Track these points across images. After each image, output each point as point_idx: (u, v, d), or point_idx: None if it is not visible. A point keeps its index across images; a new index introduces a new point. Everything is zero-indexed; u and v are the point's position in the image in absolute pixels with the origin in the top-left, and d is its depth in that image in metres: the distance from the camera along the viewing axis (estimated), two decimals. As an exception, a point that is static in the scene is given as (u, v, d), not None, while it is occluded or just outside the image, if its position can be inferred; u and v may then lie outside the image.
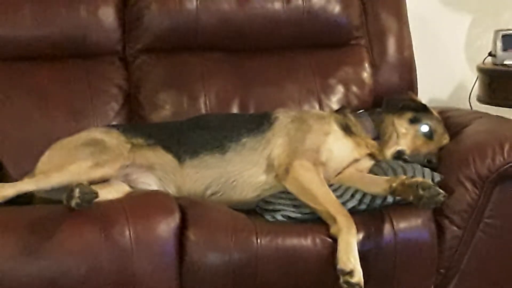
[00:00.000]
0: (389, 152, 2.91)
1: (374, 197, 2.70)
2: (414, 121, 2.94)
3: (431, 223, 2.70)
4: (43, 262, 2.42)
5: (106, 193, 2.64)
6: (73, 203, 2.43)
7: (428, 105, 3.06)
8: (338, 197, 2.68)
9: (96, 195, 2.46)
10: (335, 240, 2.56)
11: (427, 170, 2.79)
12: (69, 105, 3.18)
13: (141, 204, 2.62)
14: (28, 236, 2.42)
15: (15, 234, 2.43)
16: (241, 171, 2.81)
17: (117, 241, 2.47)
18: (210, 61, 3.34)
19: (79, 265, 2.44)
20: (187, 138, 2.87)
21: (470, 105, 3.72)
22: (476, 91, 3.70)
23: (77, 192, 2.42)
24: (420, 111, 2.97)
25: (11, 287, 2.39)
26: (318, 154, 2.81)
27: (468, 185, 2.72)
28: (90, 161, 2.69)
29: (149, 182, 2.81)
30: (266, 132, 2.89)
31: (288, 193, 2.72)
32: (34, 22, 3.22)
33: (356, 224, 2.58)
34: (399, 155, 2.89)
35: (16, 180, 2.69)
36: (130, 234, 2.48)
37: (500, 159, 2.72)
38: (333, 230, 2.58)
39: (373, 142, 2.93)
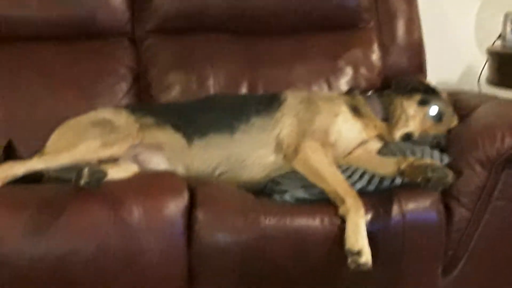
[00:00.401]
0: (398, 134, 2.90)
1: (382, 178, 2.69)
2: (423, 103, 2.93)
3: (440, 204, 2.68)
4: (52, 240, 2.42)
5: (115, 173, 2.64)
6: (82, 182, 2.43)
7: (437, 87, 3.05)
8: (347, 178, 2.67)
9: (105, 174, 2.47)
10: (343, 220, 2.56)
11: (435, 152, 2.78)
12: (78, 85, 3.19)
13: (150, 184, 2.62)
14: (37, 215, 2.43)
15: (24, 213, 2.43)
16: (249, 152, 2.81)
17: (125, 221, 2.47)
18: (219, 42, 3.34)
19: (88, 244, 2.45)
20: (196, 118, 2.87)
21: (479, 88, 3.71)
22: (485, 74, 3.68)
23: (86, 171, 2.43)
24: (429, 93, 2.97)
25: (20, 265, 2.40)
26: (327, 135, 2.82)
27: (477, 167, 2.71)
28: (99, 140, 2.69)
29: (158, 162, 2.82)
30: (275, 113, 2.88)
31: (297, 173, 2.72)
32: (43, 3, 3.23)
33: (364, 205, 2.57)
34: (407, 137, 2.89)
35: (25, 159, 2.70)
36: (138, 213, 2.49)
37: (509, 142, 2.70)
38: (341, 210, 2.58)
39: (381, 123, 2.93)
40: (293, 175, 2.73)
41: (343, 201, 2.58)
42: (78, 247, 2.44)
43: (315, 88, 3.32)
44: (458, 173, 2.66)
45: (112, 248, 2.46)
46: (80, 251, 2.44)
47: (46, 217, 2.43)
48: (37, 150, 2.78)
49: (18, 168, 2.54)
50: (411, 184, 2.63)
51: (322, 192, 2.65)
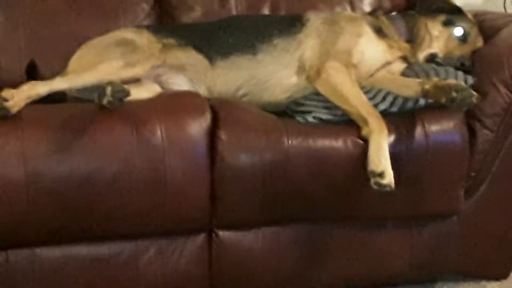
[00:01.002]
0: (422, 55, 2.88)
1: (406, 99, 2.68)
2: (447, 23, 2.90)
3: (463, 126, 2.67)
4: (76, 159, 2.43)
5: (137, 93, 2.63)
6: (105, 101, 2.43)
7: (462, 8, 3.00)
8: (370, 99, 2.66)
9: (127, 93, 2.45)
10: (366, 141, 2.55)
11: (460, 72, 2.77)
12: (99, 5, 3.17)
13: (173, 103, 2.61)
14: (61, 134, 2.43)
15: (48, 132, 2.43)
16: (272, 72, 2.80)
17: (148, 140, 2.47)
18: (242, -38, 3.30)
19: (111, 163, 2.45)
20: (218, 39, 2.85)
21: (505, 9, 3.65)
22: (511, -5, 3.64)
23: (109, 90, 2.42)
24: (454, 13, 2.93)
25: (44, 184, 2.40)
26: (350, 56, 2.79)
27: (501, 88, 2.69)
28: (121, 60, 2.68)
29: (180, 83, 2.81)
30: (297, 34, 2.86)
31: (320, 95, 2.71)
32: None
33: (387, 126, 2.57)
34: (431, 58, 2.87)
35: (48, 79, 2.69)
36: (161, 133, 2.48)
37: (535, 62, 2.69)
38: (364, 131, 2.57)
39: (405, 44, 2.91)
40: (316, 97, 2.72)
41: (366, 122, 2.57)
42: (101, 166, 2.44)
43: (338, 9, 3.30)
44: (482, 94, 2.64)
45: (136, 167, 2.46)
46: (103, 170, 2.44)
47: (69, 136, 2.43)
48: (58, 71, 2.77)
49: (41, 88, 2.53)
50: (435, 105, 2.62)
51: (345, 114, 2.64)
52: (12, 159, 2.38)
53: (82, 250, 2.55)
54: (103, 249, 2.57)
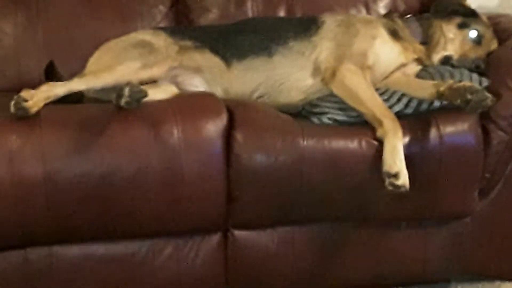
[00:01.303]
0: (437, 57, 2.89)
1: (420, 101, 2.69)
2: (462, 26, 2.91)
3: (478, 127, 2.68)
4: (93, 159, 2.45)
5: (155, 94, 2.65)
6: (122, 101, 2.45)
7: (477, 10, 3.01)
8: (385, 101, 2.68)
9: (145, 94, 2.48)
10: (381, 143, 2.57)
11: (474, 75, 2.77)
12: (117, 7, 3.21)
13: (190, 104, 2.63)
14: (79, 134, 2.46)
15: (66, 131, 2.46)
16: (288, 75, 2.82)
17: (165, 140, 2.49)
18: (258, -35, 3.32)
19: (129, 163, 2.47)
20: (235, 41, 2.87)
21: (520, 12, 3.66)
22: (525, -2, 3.64)
23: (126, 91, 2.45)
24: (469, 16, 2.94)
25: (63, 182, 2.43)
26: (365, 58, 2.81)
27: (516, 90, 2.71)
28: (139, 62, 2.71)
29: (196, 84, 2.83)
30: (313, 36, 2.87)
31: (335, 96, 2.73)
32: None
33: (402, 127, 2.58)
34: (446, 60, 2.88)
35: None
36: (178, 133, 2.50)
37: (549, 65, 2.70)
38: (379, 133, 2.58)
39: (420, 47, 2.92)
40: (331, 98, 2.74)
41: (381, 124, 2.59)
42: (119, 166, 2.47)
43: (353, 11, 3.31)
44: (497, 96, 2.64)
45: (153, 167, 2.48)
46: (121, 170, 2.46)
47: (87, 136, 2.45)
48: (76, 71, 2.79)
49: (59, 89, 2.55)
50: (449, 107, 2.63)
51: (360, 115, 2.66)
52: (31, 158, 2.42)
53: (99, 248, 2.58)
54: (119, 248, 2.59)
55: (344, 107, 2.69)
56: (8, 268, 2.53)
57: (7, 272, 2.53)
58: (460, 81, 2.68)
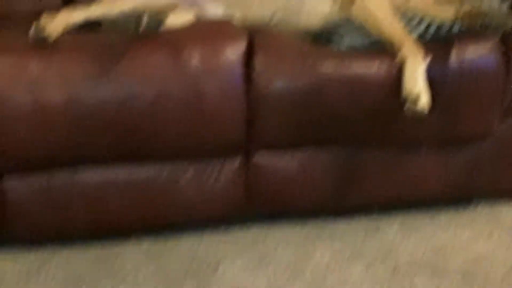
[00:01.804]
0: (457, -21, 2.86)
1: (440, 25, 2.68)
2: None
3: (498, 52, 2.67)
4: (113, 85, 2.46)
5: (173, 20, 2.65)
6: (141, 29, 2.45)
7: None
8: (405, 24, 2.66)
9: (163, 20, 2.48)
10: (401, 67, 2.56)
11: (495, -2, 2.76)
12: None
13: (209, 30, 2.63)
14: (100, 59, 2.45)
15: (86, 57, 2.46)
16: (306, 0, 2.80)
17: (185, 65, 2.49)
18: None
19: (149, 88, 2.48)
20: (254, -34, 2.85)
21: None
22: None
23: (145, 17, 2.45)
24: None
25: (83, 108, 2.44)
26: (385, -19, 2.78)
27: (537, 12, 2.68)
28: (157, -13, 2.70)
29: (215, 10, 2.81)
30: (333, -41, 2.85)
31: (353, 22, 2.71)
32: None
33: (422, 51, 2.57)
34: (467, -16, 2.85)
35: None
36: (197, 58, 2.50)
37: None
38: (399, 56, 2.57)
39: (441, -30, 2.89)
40: (350, 24, 2.72)
41: (401, 47, 2.57)
42: (139, 91, 2.47)
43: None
44: (517, 19, 2.63)
45: (172, 93, 2.49)
46: (141, 95, 2.47)
47: (107, 62, 2.46)
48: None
49: (77, 15, 2.55)
50: (470, 31, 2.62)
51: (379, 40, 2.65)
52: (52, 83, 2.42)
53: (121, 173, 2.59)
54: (141, 172, 2.61)
55: (363, 32, 2.67)
56: (32, 193, 2.55)
57: (32, 197, 2.56)
58: (480, 4, 2.66)
